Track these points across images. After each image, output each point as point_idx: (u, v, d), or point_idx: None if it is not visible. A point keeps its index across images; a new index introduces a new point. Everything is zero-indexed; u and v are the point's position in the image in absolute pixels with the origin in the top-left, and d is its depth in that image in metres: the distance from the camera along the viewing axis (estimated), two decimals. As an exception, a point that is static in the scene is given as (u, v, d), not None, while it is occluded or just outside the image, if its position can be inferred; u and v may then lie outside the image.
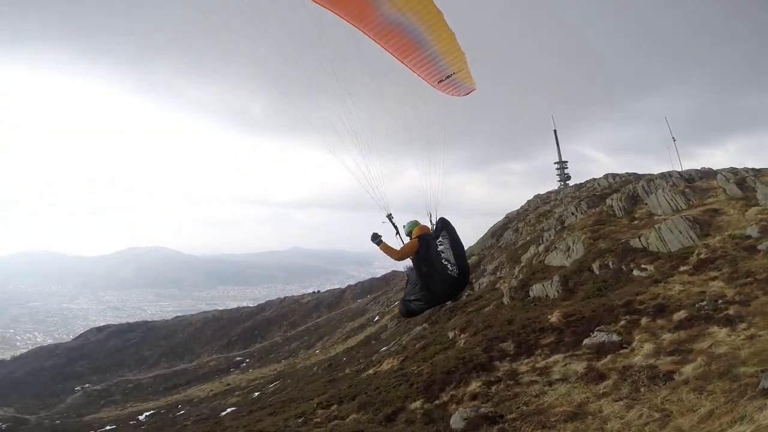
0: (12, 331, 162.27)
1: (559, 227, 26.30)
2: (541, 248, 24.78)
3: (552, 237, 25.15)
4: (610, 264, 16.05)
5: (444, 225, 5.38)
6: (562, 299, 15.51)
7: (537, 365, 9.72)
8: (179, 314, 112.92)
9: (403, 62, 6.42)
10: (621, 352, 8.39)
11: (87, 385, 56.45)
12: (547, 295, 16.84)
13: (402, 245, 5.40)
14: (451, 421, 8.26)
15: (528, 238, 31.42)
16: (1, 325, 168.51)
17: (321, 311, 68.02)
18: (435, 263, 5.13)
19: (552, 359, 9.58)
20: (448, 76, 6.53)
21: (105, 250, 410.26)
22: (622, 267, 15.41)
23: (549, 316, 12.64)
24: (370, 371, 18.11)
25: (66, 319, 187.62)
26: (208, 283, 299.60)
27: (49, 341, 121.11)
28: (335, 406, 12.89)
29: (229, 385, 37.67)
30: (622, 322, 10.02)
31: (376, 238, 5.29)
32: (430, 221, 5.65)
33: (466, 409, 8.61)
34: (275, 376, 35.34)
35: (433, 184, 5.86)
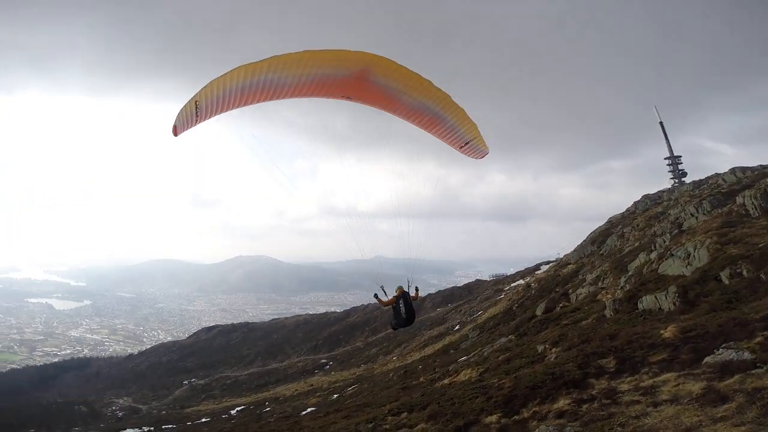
0: (141, 328, 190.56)
1: (676, 231, 22.93)
2: (653, 255, 21.72)
3: (667, 242, 21.97)
4: (744, 272, 13.28)
5: (402, 295, 10.16)
6: (679, 312, 13.14)
7: (642, 384, 8.09)
8: (275, 317, 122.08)
9: (430, 133, 8.60)
10: (753, 372, 6.56)
11: (193, 379, 62.87)
12: (660, 308, 14.44)
13: (388, 298, 10.40)
14: (529, 439, 7.14)
15: (636, 244, 27.99)
16: (134, 323, 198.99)
17: (401, 319, 67.91)
18: (398, 309, 10.09)
19: (662, 378, 7.88)
20: (467, 143, 8.72)
21: (218, 258, 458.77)
22: (761, 276, 12.64)
23: (662, 331, 10.70)
24: (445, 381, 17.17)
25: (184, 319, 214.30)
26: (303, 289, 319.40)
27: (169, 338, 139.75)
28: (405, 414, 12.31)
29: (312, 385, 39.04)
30: (758, 339, 7.92)
31: (375, 297, 10.32)
32: (408, 284, 10.50)
33: (548, 427, 7.50)
34: (354, 379, 35.81)
35: (413, 263, 10.37)
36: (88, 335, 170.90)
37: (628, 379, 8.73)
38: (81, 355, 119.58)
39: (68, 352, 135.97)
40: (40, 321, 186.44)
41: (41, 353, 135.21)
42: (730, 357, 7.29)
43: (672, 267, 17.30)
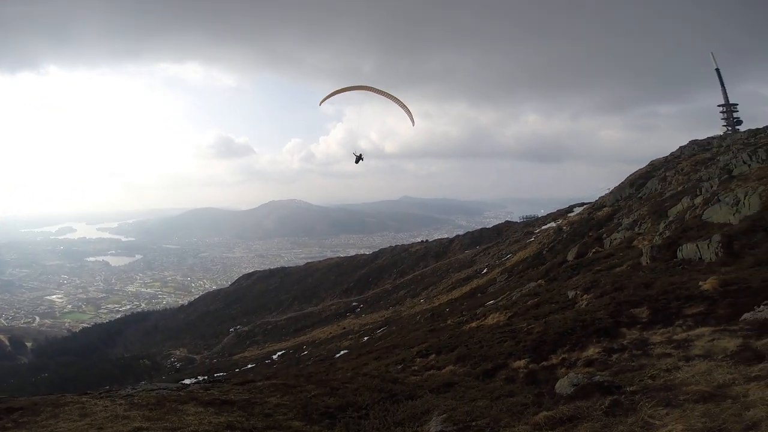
0: (189, 279, 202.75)
1: (725, 177, 21.47)
2: (697, 200, 20.59)
3: (714, 187, 20.64)
4: None
5: (360, 155, 21.13)
6: (721, 264, 12.53)
7: (675, 337, 7.99)
8: (309, 260, 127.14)
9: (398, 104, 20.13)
10: None
11: (238, 326, 67.39)
12: (700, 258, 13.80)
13: (357, 156, 21.23)
14: (556, 385, 7.30)
15: (679, 189, 26.68)
16: (181, 275, 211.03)
17: (428, 261, 68.77)
18: (356, 160, 21.22)
19: (696, 332, 7.74)
20: (410, 117, 20.20)
21: (252, 204, 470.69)
22: None
23: (701, 283, 10.33)
24: (473, 324, 17.65)
25: (226, 266, 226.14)
26: (333, 231, 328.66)
27: (214, 287, 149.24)
28: (433, 355, 12.81)
29: (344, 328, 41.13)
30: (804, 298, 7.49)
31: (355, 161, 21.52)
32: (360, 155, 21.22)
33: (577, 375, 7.57)
34: (383, 322, 37.36)
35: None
36: (143, 289, 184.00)
37: (661, 330, 8.61)
38: (139, 310, 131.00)
39: (128, 307, 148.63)
40: (101, 279, 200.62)
41: (105, 310, 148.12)
42: (772, 315, 7.01)
43: (718, 213, 16.38)
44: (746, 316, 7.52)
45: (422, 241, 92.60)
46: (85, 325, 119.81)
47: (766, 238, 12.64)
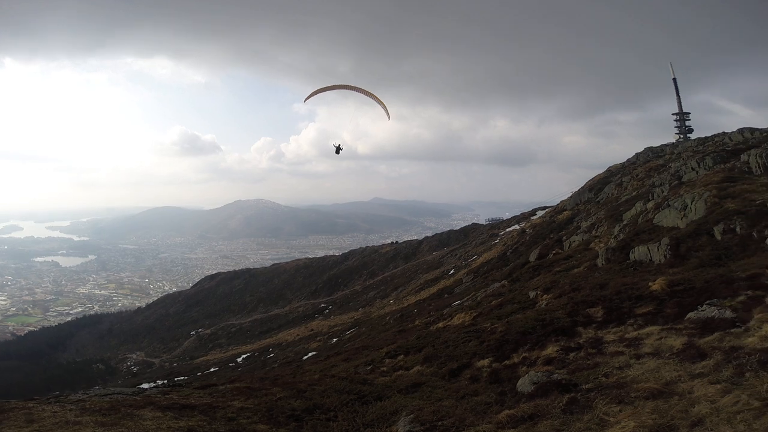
0: (147, 280, 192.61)
1: (675, 183, 22.92)
2: (649, 205, 21.83)
3: (665, 193, 22.02)
4: (738, 229, 13.32)
5: (339, 146, 23.16)
6: (669, 265, 13.39)
7: (626, 335, 8.47)
8: (276, 261, 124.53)
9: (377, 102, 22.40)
10: (732, 330, 6.76)
11: (200, 329, 65.10)
12: (651, 260, 14.70)
13: (336, 147, 23.41)
14: (518, 384, 7.57)
15: (634, 194, 28.11)
16: (139, 276, 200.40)
17: (398, 262, 69.19)
18: (337, 150, 23.48)
19: (645, 331, 8.24)
20: (387, 112, 22.55)
21: (217, 204, 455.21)
22: (753, 233, 12.75)
23: (650, 284, 10.99)
24: (440, 324, 17.96)
25: (187, 268, 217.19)
26: (302, 232, 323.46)
27: (174, 289, 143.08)
28: (402, 356, 12.91)
29: (312, 330, 40.64)
30: (741, 298, 8.15)
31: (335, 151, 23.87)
32: (339, 145, 23.33)
33: (537, 373, 7.87)
34: (352, 323, 37.25)
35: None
36: (96, 291, 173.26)
37: (614, 329, 9.09)
38: (92, 312, 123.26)
39: (80, 309, 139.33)
40: (49, 280, 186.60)
41: (54, 313, 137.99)
42: (712, 314, 7.55)
43: (667, 218, 17.47)
44: (691, 315, 8.06)
45: (392, 242, 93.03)
46: (31, 328, 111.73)
47: (709, 241, 13.60)
